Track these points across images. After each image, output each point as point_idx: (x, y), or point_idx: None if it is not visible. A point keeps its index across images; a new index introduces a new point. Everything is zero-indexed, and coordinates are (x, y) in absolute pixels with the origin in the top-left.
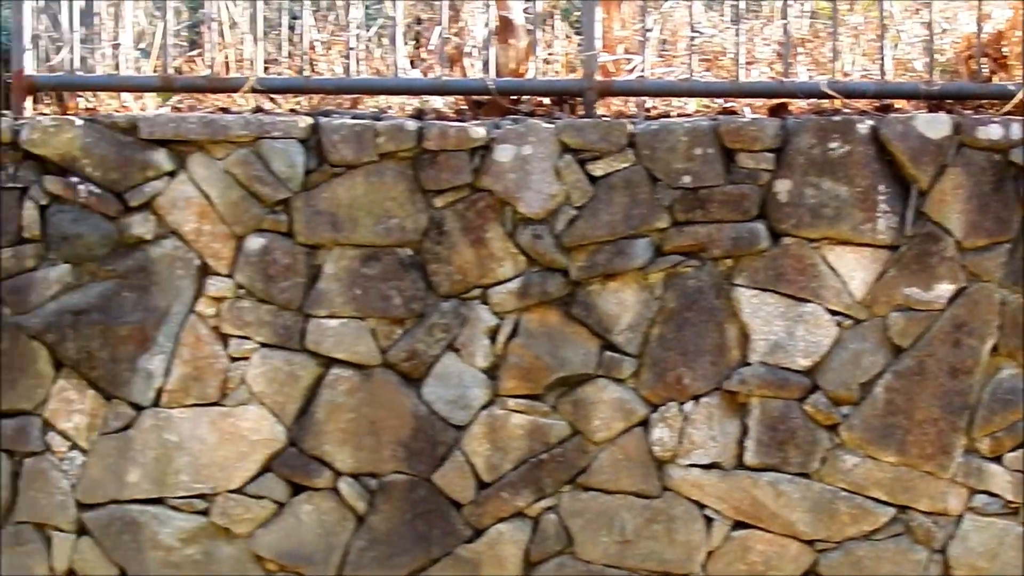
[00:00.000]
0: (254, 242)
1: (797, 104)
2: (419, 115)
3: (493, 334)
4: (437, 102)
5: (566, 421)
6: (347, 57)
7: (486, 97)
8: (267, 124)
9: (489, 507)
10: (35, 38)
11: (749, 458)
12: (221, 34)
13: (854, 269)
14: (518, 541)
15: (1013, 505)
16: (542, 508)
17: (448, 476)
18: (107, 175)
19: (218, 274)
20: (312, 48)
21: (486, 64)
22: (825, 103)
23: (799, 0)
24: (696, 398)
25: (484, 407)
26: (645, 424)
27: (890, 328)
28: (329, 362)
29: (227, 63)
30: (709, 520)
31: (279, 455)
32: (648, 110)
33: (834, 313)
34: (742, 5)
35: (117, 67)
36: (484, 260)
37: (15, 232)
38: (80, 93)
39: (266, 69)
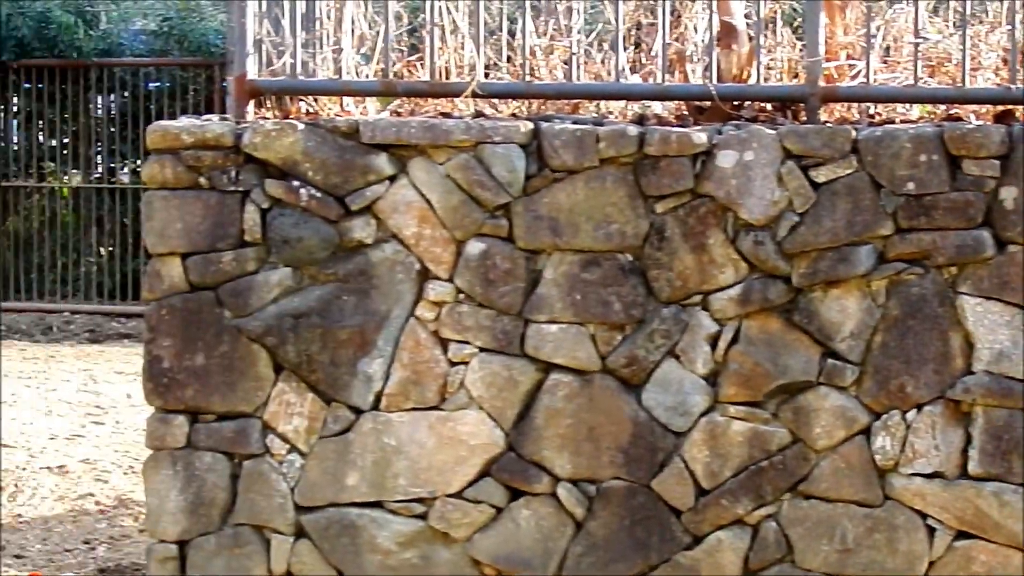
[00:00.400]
0: (474, 247)
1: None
2: (640, 120)
3: (714, 340)
4: (657, 107)
5: (787, 428)
6: (567, 62)
7: (707, 103)
8: (488, 129)
9: (708, 514)
10: (257, 42)
11: (973, 468)
12: (442, 39)
13: None
14: (737, 549)
15: None
16: (762, 516)
17: (667, 483)
18: (328, 179)
19: (438, 278)
20: (532, 53)
21: (707, 69)
22: None
23: None
24: (919, 407)
25: (704, 414)
26: (867, 432)
27: None
28: (548, 367)
29: (447, 68)
30: (931, 530)
31: (498, 460)
32: (871, 116)
33: None
34: (967, 10)
35: (339, 71)
36: (705, 266)
37: (236, 235)
38: (301, 97)
39: (486, 74)
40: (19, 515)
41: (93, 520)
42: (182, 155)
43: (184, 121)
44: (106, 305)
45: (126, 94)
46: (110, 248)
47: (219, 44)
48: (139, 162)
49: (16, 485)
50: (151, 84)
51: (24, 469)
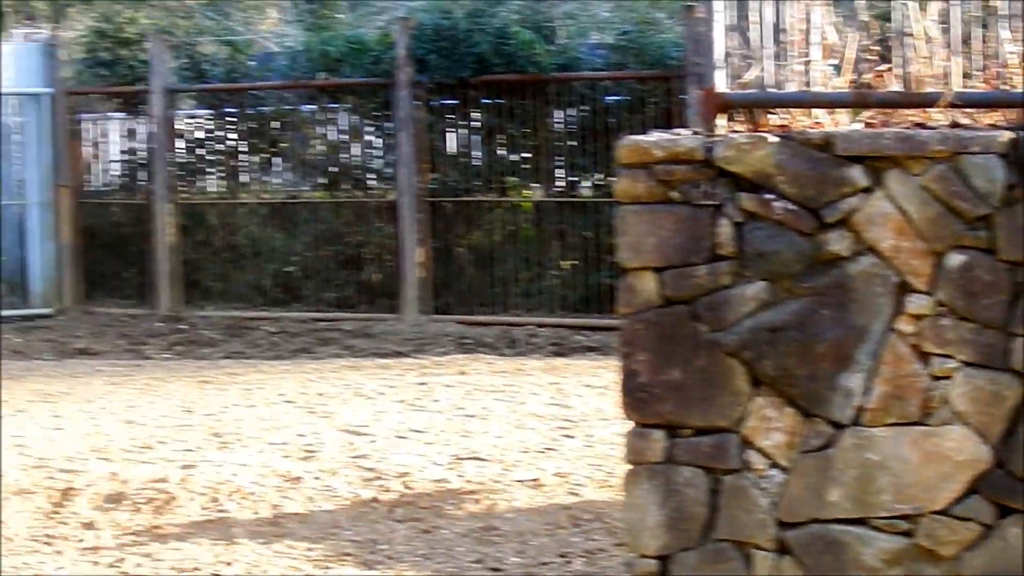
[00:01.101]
0: (954, 259)
1: None
2: None
3: None
4: None
5: None
6: None
7: None
8: (965, 139)
9: None
10: (726, 55)
11: None
12: (913, 48)
13: None
14: None
15: None
16: None
17: None
18: (802, 192)
19: (917, 291)
20: (1005, 62)
21: None
22: None
23: None
24: None
25: None
26: None
27: None
28: None
29: (919, 77)
30: None
31: (985, 476)
32: None
33: None
34: None
35: (808, 83)
36: None
37: (709, 249)
38: (771, 110)
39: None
40: (494, 527)
41: (568, 533)
42: (654, 169)
43: (655, 135)
44: (570, 318)
45: (585, 108)
46: (573, 261)
47: (676, 57)
48: (599, 175)
49: (490, 497)
50: (609, 98)
51: (498, 482)
